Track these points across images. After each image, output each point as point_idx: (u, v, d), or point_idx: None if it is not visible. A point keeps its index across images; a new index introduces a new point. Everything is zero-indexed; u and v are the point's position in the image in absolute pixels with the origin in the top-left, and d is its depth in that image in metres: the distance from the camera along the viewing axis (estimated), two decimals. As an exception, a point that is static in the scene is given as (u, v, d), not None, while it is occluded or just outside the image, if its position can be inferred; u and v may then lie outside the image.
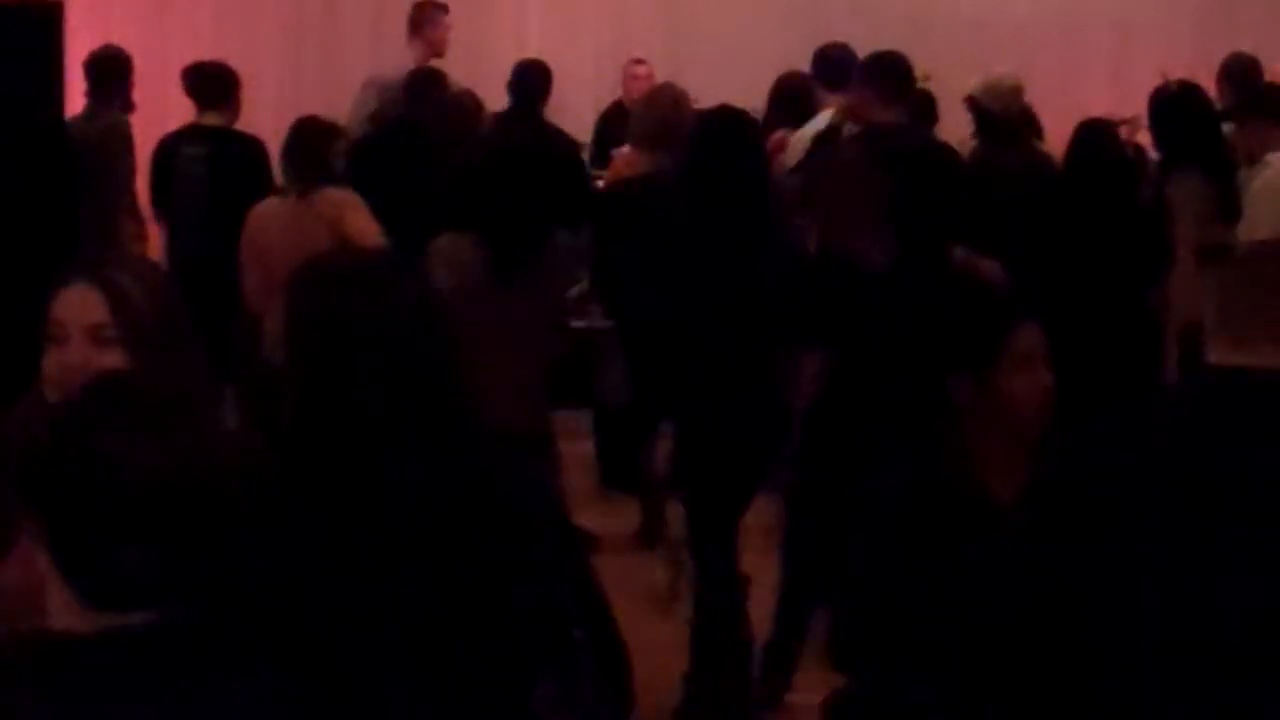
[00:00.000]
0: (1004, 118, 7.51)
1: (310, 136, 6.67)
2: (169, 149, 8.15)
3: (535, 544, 2.58)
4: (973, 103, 7.57)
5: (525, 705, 2.58)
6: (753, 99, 8.73)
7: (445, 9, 9.49)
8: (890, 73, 6.78)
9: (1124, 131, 7.75)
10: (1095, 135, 7.00)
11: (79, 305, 2.71)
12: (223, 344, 6.45)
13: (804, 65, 8.21)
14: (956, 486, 3.30)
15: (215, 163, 7.80)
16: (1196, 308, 6.61)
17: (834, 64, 7.75)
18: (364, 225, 6.34)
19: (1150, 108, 7.42)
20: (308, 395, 2.54)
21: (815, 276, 5.71)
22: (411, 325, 2.53)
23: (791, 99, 7.89)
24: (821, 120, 7.36)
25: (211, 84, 8.14)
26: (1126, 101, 9.06)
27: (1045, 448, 3.05)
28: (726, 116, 6.03)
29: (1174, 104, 7.29)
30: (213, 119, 8.07)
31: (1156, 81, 7.69)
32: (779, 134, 7.73)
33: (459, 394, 2.55)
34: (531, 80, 8.74)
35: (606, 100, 10.43)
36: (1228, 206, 6.90)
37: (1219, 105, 8.18)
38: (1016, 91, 7.59)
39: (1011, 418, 3.33)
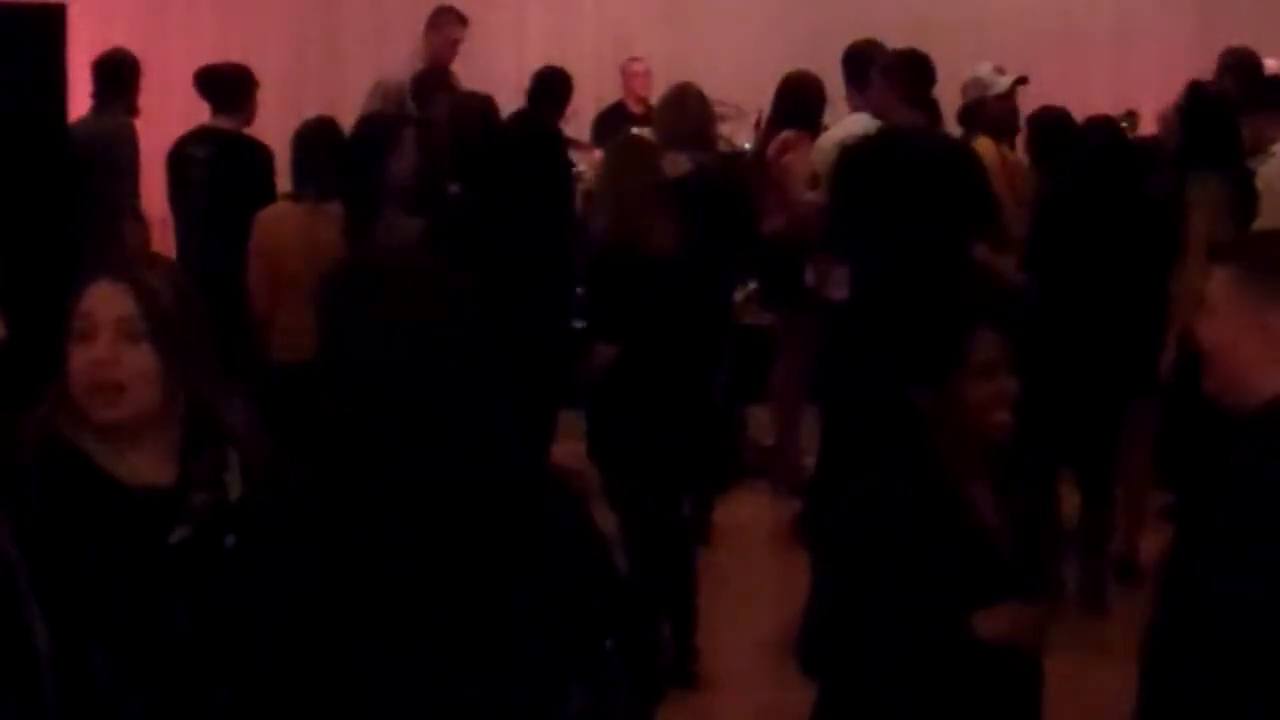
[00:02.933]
0: None
1: (337, 146, 6.68)
2: (177, 150, 8.16)
3: (565, 551, 2.57)
4: None
5: (559, 715, 2.57)
6: (755, 98, 8.78)
7: (461, 20, 9.46)
8: (914, 74, 6.78)
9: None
10: (1101, 129, 7.01)
11: (108, 300, 2.70)
12: (227, 346, 6.45)
13: (805, 64, 8.20)
14: (935, 496, 3.31)
15: (217, 166, 7.77)
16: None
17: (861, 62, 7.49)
18: None
19: (1182, 106, 7.40)
20: (339, 395, 2.54)
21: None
22: (445, 327, 2.52)
23: (798, 99, 7.84)
24: (855, 125, 7.29)
25: (223, 87, 8.11)
26: (1127, 101, 9.08)
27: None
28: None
29: (1204, 104, 7.26)
30: (224, 122, 8.05)
31: (1160, 80, 7.70)
32: (786, 134, 7.71)
33: (492, 397, 2.55)
34: (542, 86, 8.74)
35: (608, 100, 10.44)
36: (1246, 208, 6.89)
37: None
38: None
39: (974, 427, 3.34)
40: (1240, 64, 8.49)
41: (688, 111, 7.02)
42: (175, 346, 2.71)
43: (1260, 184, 6.91)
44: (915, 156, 6.51)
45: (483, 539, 2.49)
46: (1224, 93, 8.10)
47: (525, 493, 2.56)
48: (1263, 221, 6.69)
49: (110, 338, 2.69)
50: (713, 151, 7.25)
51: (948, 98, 8.54)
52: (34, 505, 2.62)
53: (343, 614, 2.43)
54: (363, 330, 2.50)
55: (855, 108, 7.43)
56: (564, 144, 7.35)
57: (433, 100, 8.22)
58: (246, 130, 8.11)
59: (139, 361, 2.69)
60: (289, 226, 6.34)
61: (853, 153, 6.73)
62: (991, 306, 3.45)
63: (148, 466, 2.73)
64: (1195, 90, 7.32)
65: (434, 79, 8.44)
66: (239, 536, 2.70)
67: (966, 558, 3.30)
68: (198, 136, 8.12)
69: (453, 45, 9.37)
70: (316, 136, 6.59)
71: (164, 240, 9.21)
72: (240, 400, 2.86)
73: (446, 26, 9.40)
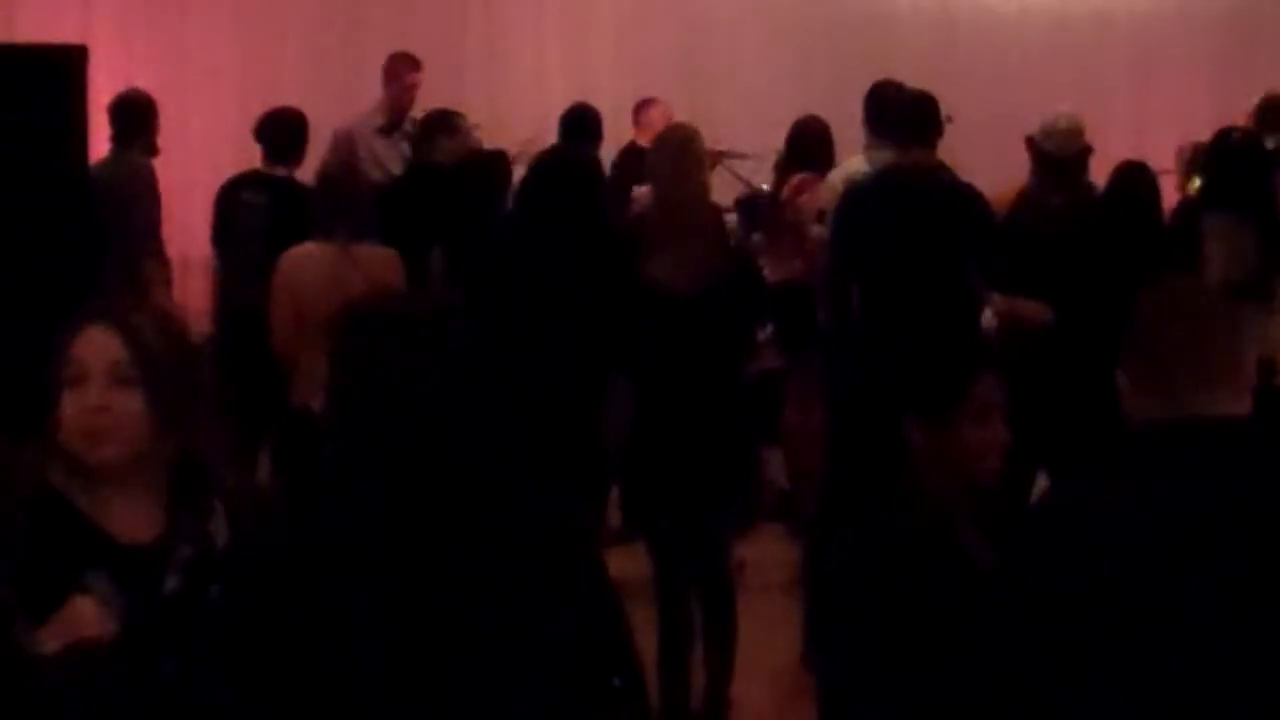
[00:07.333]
0: (1058, 158, 7.50)
1: (363, 187, 6.67)
2: (230, 194, 8.15)
3: (573, 590, 2.58)
4: (1030, 143, 7.59)
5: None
6: (770, 142, 8.81)
7: (415, 64, 9.53)
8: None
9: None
10: (1133, 178, 7.07)
11: (98, 345, 2.72)
12: (262, 389, 6.43)
13: (820, 109, 8.25)
14: (926, 536, 3.28)
15: (276, 214, 7.71)
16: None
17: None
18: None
19: (1212, 151, 7.39)
20: (347, 440, 2.54)
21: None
22: (454, 373, 2.52)
23: (808, 143, 7.94)
24: (856, 165, 7.33)
25: (284, 137, 8.10)
26: (1146, 142, 9.08)
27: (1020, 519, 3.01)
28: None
29: (1236, 148, 7.26)
30: (278, 169, 8.03)
31: (1179, 125, 7.70)
32: (797, 178, 7.77)
33: (500, 441, 2.55)
34: (571, 123, 8.84)
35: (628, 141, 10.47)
36: (1271, 252, 6.88)
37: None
38: (1072, 133, 7.57)
39: (964, 467, 3.32)
40: (1276, 113, 8.45)
41: (667, 148, 7.03)
42: (165, 391, 2.72)
43: None
44: (915, 194, 6.53)
45: (488, 581, 2.49)
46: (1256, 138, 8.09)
47: (530, 531, 2.55)
48: None
49: (102, 384, 2.70)
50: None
51: (969, 139, 8.57)
52: (20, 553, 2.62)
53: (337, 660, 2.43)
54: (364, 377, 2.51)
55: (867, 147, 7.46)
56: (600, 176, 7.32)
57: (435, 144, 8.22)
58: (297, 176, 8.08)
59: (130, 406, 2.70)
60: (315, 266, 6.31)
61: (856, 190, 6.78)
62: (996, 349, 3.44)
63: (135, 518, 2.74)
64: (1224, 134, 7.36)
65: (438, 122, 8.42)
66: (225, 587, 2.69)
67: (963, 603, 3.26)
68: (252, 182, 8.10)
69: (410, 91, 9.44)
70: (344, 178, 6.60)
71: (185, 279, 9.26)
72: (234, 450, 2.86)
73: (402, 73, 9.48)
